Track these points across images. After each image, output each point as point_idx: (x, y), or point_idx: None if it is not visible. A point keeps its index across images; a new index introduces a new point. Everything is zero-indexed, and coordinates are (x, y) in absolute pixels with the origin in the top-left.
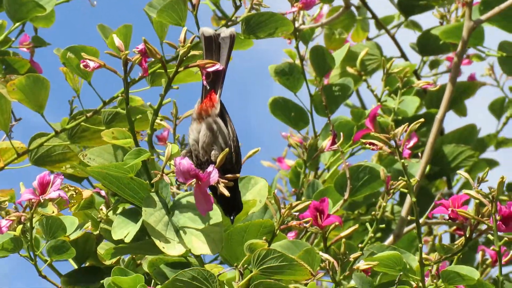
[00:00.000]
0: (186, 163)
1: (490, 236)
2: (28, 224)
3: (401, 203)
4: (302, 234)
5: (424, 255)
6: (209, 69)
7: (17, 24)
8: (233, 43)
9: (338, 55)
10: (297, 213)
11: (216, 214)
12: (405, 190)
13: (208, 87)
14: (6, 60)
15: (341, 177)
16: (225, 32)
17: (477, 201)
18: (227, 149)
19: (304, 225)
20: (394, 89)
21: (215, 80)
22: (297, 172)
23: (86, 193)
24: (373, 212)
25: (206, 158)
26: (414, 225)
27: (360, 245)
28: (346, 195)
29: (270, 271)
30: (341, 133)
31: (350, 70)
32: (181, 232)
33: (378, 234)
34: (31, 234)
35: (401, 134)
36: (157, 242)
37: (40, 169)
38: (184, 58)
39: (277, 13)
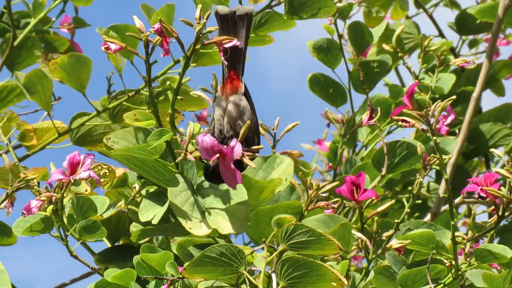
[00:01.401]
0: (209, 139)
1: None
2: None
3: (438, 181)
4: (340, 209)
5: (457, 233)
6: (226, 45)
7: (57, 2)
8: (251, 22)
9: (376, 31)
10: (324, 194)
11: (242, 193)
12: (438, 168)
13: (229, 66)
14: (46, 39)
15: (379, 153)
16: (241, 10)
17: (509, 179)
18: (248, 122)
19: (332, 205)
20: (431, 67)
21: (235, 60)
22: (334, 148)
23: (119, 171)
24: (409, 188)
25: (230, 134)
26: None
27: (396, 221)
28: (384, 171)
29: (298, 246)
30: (378, 108)
31: (386, 47)
32: (207, 212)
33: (416, 214)
34: (61, 215)
35: (433, 111)
36: (183, 222)
37: (81, 149)
38: (201, 35)
39: None
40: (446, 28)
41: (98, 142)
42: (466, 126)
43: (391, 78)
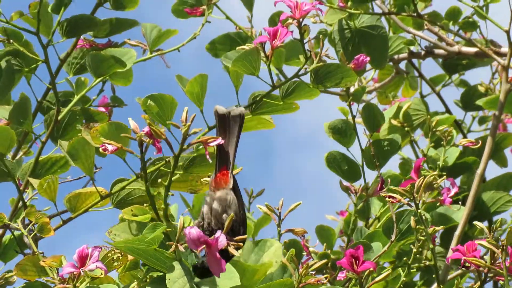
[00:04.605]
0: (195, 231)
1: (501, 281)
2: None
3: (443, 245)
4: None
5: None
6: (211, 144)
7: (98, 80)
8: (243, 121)
9: (388, 112)
10: (313, 272)
11: (235, 277)
12: (423, 238)
13: (220, 162)
14: (88, 113)
15: (388, 221)
16: (235, 111)
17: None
18: (232, 214)
19: (322, 281)
20: (437, 141)
21: (226, 156)
22: (349, 220)
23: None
24: (404, 258)
25: (218, 227)
26: (459, 271)
27: None
28: (393, 237)
29: None
30: (388, 180)
31: (394, 122)
32: None
33: (425, 278)
34: None
35: (418, 187)
36: None
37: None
38: (187, 136)
39: (343, 64)
40: (453, 104)
41: (137, 204)
42: (471, 200)
43: (407, 152)
